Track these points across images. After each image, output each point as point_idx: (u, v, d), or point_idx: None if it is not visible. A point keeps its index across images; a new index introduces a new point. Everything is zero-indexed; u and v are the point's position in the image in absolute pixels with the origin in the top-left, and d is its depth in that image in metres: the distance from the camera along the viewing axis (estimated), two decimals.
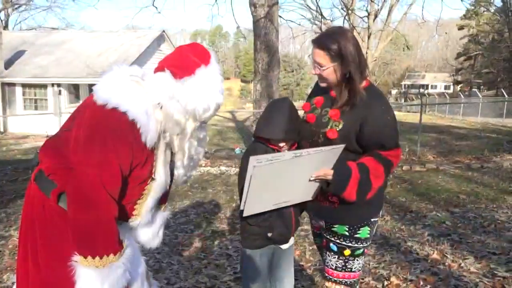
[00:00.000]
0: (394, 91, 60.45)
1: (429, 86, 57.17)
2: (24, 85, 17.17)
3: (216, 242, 4.05)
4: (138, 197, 1.59)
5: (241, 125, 17.25)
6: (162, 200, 1.76)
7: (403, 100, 48.15)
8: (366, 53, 26.98)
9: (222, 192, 6.18)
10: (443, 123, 18.82)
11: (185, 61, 1.52)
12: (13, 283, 3.06)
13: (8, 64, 17.30)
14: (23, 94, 17.31)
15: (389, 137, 1.75)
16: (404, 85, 58.68)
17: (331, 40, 1.71)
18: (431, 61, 68.73)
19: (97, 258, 1.40)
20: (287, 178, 1.72)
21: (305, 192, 1.84)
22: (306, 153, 1.65)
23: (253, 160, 1.58)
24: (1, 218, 4.96)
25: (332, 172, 1.73)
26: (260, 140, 1.93)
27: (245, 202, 1.75)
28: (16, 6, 28.93)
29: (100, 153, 1.40)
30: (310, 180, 1.76)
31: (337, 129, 1.75)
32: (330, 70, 1.74)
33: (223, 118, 19.22)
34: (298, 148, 1.92)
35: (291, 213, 1.95)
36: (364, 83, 1.79)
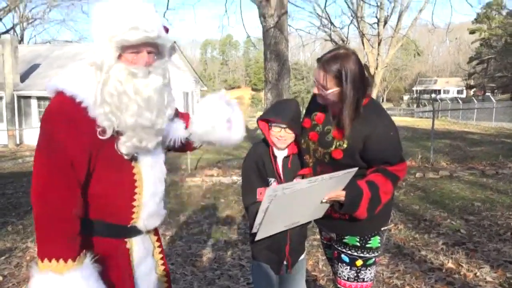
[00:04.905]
0: (406, 97, 60.09)
1: (442, 91, 56.69)
2: (39, 98, 17.51)
3: (229, 253, 4.07)
4: (131, 200, 1.47)
5: (253, 133, 17.28)
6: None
7: (415, 106, 47.77)
8: (377, 59, 26.92)
9: (234, 202, 6.20)
10: (456, 128, 18.63)
11: None
12: None
13: (24, 77, 17.68)
14: (39, 106, 17.65)
15: (394, 152, 1.76)
16: (416, 90, 58.28)
17: (335, 64, 1.69)
18: (443, 66, 68.12)
19: (46, 260, 1.29)
20: (301, 202, 1.74)
21: (316, 211, 1.86)
22: (321, 179, 1.65)
23: (270, 191, 1.58)
24: (18, 230, 5.05)
25: (344, 193, 1.73)
26: (262, 130, 1.98)
27: (258, 229, 1.78)
28: (31, 20, 29.59)
29: (44, 149, 1.34)
30: (322, 202, 1.78)
31: (342, 149, 1.75)
32: (332, 94, 1.73)
33: None
34: (301, 161, 1.97)
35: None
36: (364, 100, 1.77)
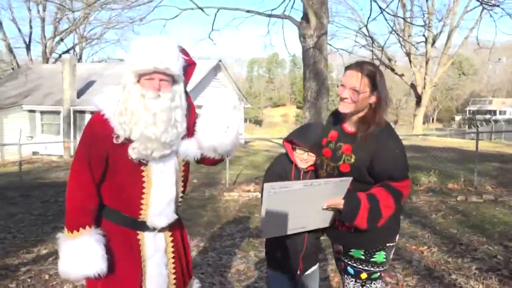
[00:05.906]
0: (458, 117, 57.63)
1: (497, 112, 53.79)
2: (92, 113, 18.58)
3: (257, 266, 4.17)
4: (139, 198, 1.73)
5: None
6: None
7: (467, 127, 45.72)
8: (425, 78, 26.23)
9: None
10: (509, 151, 17.65)
11: None
12: None
13: (80, 93, 18.93)
14: None
15: (399, 169, 1.84)
16: (469, 110, 55.75)
17: (371, 67, 1.83)
18: (499, 85, 64.75)
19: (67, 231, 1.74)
20: (301, 205, 1.86)
21: (321, 219, 1.97)
22: (317, 183, 1.79)
23: (267, 186, 1.74)
24: None
25: (342, 201, 1.84)
26: (287, 149, 2.13)
27: (262, 227, 1.91)
28: (89, 40, 31.68)
29: (77, 147, 1.79)
30: (323, 209, 1.89)
31: (349, 164, 1.86)
32: (363, 96, 1.81)
33: (277, 144, 19.43)
34: (316, 176, 2.08)
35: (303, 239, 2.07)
36: None
